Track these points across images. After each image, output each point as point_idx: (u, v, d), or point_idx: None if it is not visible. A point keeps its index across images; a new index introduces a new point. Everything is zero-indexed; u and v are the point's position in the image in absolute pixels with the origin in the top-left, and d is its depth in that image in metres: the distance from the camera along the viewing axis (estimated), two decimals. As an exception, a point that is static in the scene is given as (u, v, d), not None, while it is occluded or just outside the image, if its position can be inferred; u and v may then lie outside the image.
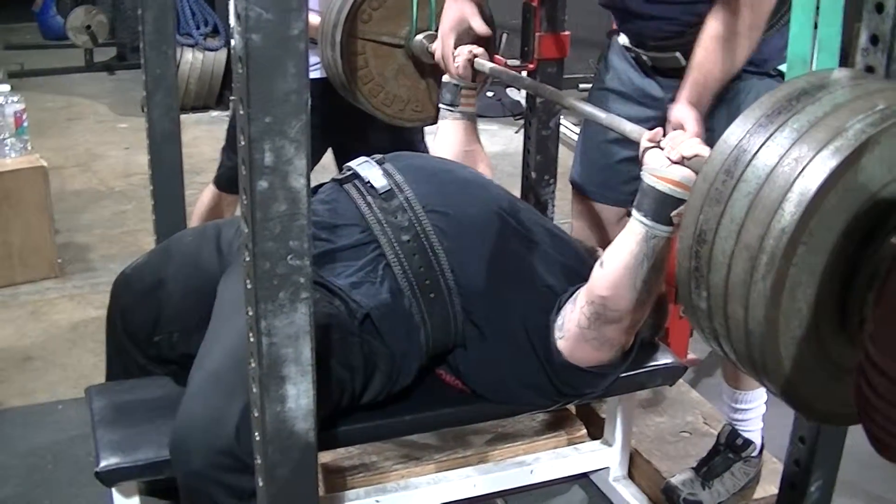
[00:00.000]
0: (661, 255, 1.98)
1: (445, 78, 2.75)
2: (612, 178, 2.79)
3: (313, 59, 2.90)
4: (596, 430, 2.98)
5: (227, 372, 1.98)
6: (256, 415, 1.54)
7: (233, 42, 1.37)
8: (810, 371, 1.34)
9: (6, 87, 4.33)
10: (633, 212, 1.99)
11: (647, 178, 1.93)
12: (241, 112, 1.36)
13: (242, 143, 1.37)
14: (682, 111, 2.25)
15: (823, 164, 1.22)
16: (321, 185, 2.41)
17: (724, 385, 2.79)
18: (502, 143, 6.46)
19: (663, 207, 1.92)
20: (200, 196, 3.65)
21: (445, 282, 2.22)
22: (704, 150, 1.84)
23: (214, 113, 7.11)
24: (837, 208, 1.25)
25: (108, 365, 2.52)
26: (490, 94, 7.00)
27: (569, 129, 6.09)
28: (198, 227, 2.75)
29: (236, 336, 1.94)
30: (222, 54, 6.99)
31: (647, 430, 3.02)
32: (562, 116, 3.12)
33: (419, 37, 2.90)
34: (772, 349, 1.30)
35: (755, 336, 1.30)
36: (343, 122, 3.25)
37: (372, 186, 2.30)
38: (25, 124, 4.29)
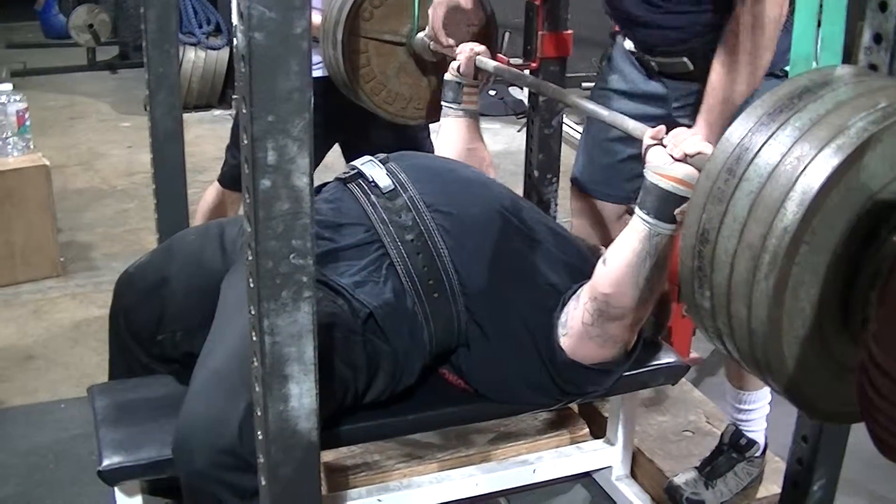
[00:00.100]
0: (663, 253, 1.98)
1: (447, 76, 2.75)
2: (615, 175, 2.79)
3: (315, 57, 2.90)
4: (599, 429, 2.98)
5: (230, 371, 1.98)
6: (259, 414, 1.54)
7: (235, 40, 1.37)
8: (813, 370, 1.34)
9: (8, 86, 4.33)
10: (636, 210, 1.98)
11: (650, 175, 1.93)
12: (244, 111, 1.35)
13: (245, 141, 1.37)
14: (698, 127, 2.28)
15: (825, 163, 1.22)
16: (325, 185, 2.41)
17: (727, 385, 2.78)
18: (505, 141, 6.46)
19: (666, 205, 1.91)
20: (204, 194, 3.65)
21: (449, 281, 2.22)
22: (707, 148, 1.84)
23: (217, 112, 7.11)
24: (840, 207, 1.24)
25: (111, 364, 2.52)
26: (492, 92, 7.00)
27: (571, 128, 6.09)
28: (201, 226, 2.75)
29: (239, 335, 1.94)
30: (225, 53, 6.99)
31: (649, 430, 3.02)
32: (564, 115, 3.12)
33: (421, 34, 2.90)
34: (775, 348, 1.30)
35: (758, 335, 1.30)
36: (346, 121, 3.25)
37: (376, 185, 2.30)
38: (28, 123, 4.30)
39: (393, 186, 2.29)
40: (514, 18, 3.49)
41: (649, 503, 2.81)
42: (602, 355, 2.19)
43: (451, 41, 2.72)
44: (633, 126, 2.07)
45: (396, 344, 2.18)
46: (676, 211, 1.90)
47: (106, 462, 2.11)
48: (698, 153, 1.84)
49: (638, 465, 2.92)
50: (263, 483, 1.59)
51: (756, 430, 2.75)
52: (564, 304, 2.20)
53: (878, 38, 1.58)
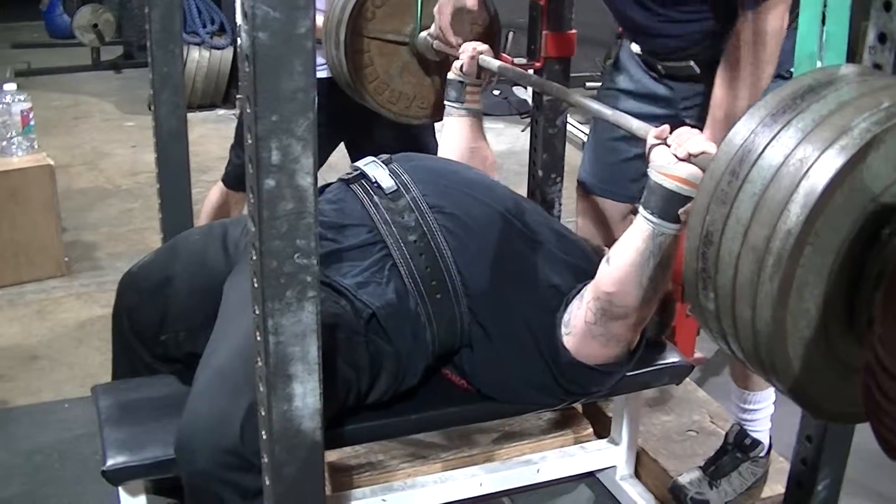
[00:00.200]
0: (667, 253, 1.98)
1: (450, 75, 2.75)
2: (620, 175, 2.79)
3: (319, 59, 2.90)
4: (602, 429, 2.98)
5: (233, 371, 1.98)
6: (263, 413, 1.54)
7: (239, 40, 1.37)
8: (818, 370, 1.34)
9: (13, 86, 4.34)
10: (640, 209, 1.98)
11: (654, 175, 1.92)
12: (248, 110, 1.35)
13: (249, 141, 1.37)
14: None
15: (828, 164, 1.22)
16: (328, 185, 2.41)
17: (732, 385, 2.78)
18: (509, 141, 6.46)
19: (670, 205, 1.91)
20: (209, 194, 3.66)
21: (452, 282, 2.22)
22: (711, 148, 1.84)
23: (221, 111, 7.11)
24: (843, 208, 1.24)
25: (114, 363, 2.52)
26: (496, 92, 7.00)
27: (575, 128, 6.09)
28: (204, 226, 2.76)
29: (242, 335, 1.94)
30: (229, 52, 6.99)
31: (653, 429, 3.02)
32: (568, 115, 3.12)
33: (423, 34, 2.90)
34: (780, 349, 1.30)
35: (763, 336, 1.30)
36: (350, 121, 3.25)
37: (379, 186, 2.30)
38: (32, 123, 4.30)
39: (396, 187, 2.29)
40: (518, 18, 3.49)
41: (653, 503, 2.80)
42: (605, 355, 2.19)
43: (460, 40, 2.72)
44: (637, 126, 2.07)
45: (399, 345, 2.18)
46: (680, 210, 1.89)
47: (110, 462, 2.12)
48: (702, 153, 1.84)
49: (642, 464, 2.92)
50: (267, 483, 1.59)
51: (760, 429, 2.75)
52: (568, 304, 2.20)
53: (882, 38, 1.58)
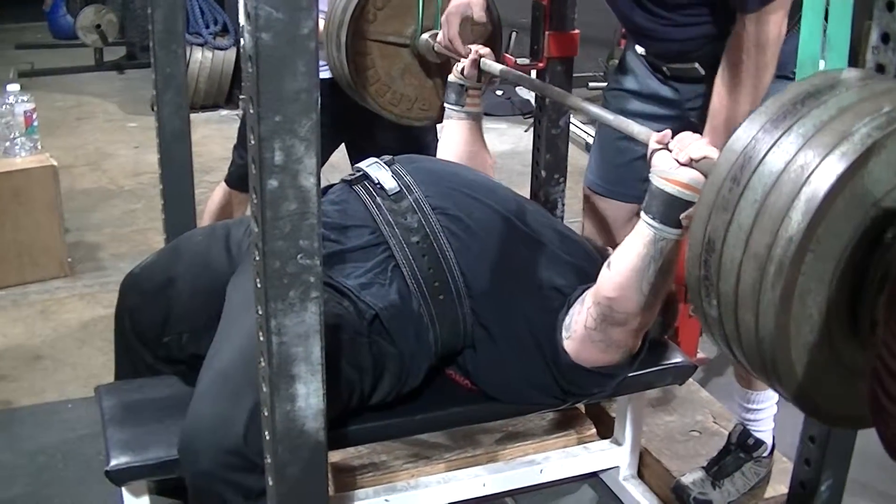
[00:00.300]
0: (668, 258, 1.97)
1: (451, 77, 2.75)
2: (627, 175, 2.79)
3: (320, 59, 2.90)
4: (606, 430, 2.98)
5: (236, 372, 1.98)
6: (266, 414, 1.54)
7: (242, 41, 1.37)
8: (822, 376, 1.34)
9: (16, 87, 4.33)
10: (642, 214, 1.98)
11: (656, 180, 1.92)
12: (251, 111, 1.36)
13: (252, 141, 1.37)
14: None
15: (829, 171, 1.21)
16: (331, 186, 2.41)
17: (735, 385, 2.78)
18: (512, 141, 6.45)
19: (671, 210, 1.91)
20: (212, 195, 3.66)
21: (454, 283, 2.22)
22: (713, 152, 1.84)
23: (224, 112, 7.11)
24: (844, 214, 1.24)
25: (117, 364, 2.52)
26: (499, 92, 6.99)
27: (579, 128, 6.08)
28: (207, 227, 2.76)
29: (245, 336, 1.95)
30: (232, 53, 6.98)
31: (656, 430, 3.02)
32: (572, 115, 3.12)
33: (425, 35, 2.90)
34: (783, 356, 1.29)
35: (766, 343, 1.29)
36: (352, 122, 3.25)
37: (382, 188, 2.30)
38: (35, 123, 4.30)
39: (398, 188, 2.29)
40: (521, 18, 3.49)
41: (656, 503, 2.80)
42: (605, 360, 2.19)
43: (469, 48, 2.71)
44: (638, 130, 2.07)
45: (402, 346, 2.18)
46: (682, 215, 1.89)
47: (113, 462, 2.12)
48: (704, 157, 1.84)
49: (645, 465, 2.92)
50: (270, 483, 1.59)
51: (764, 430, 2.75)
52: (569, 307, 2.20)
53: (885, 38, 1.58)
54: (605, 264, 2.09)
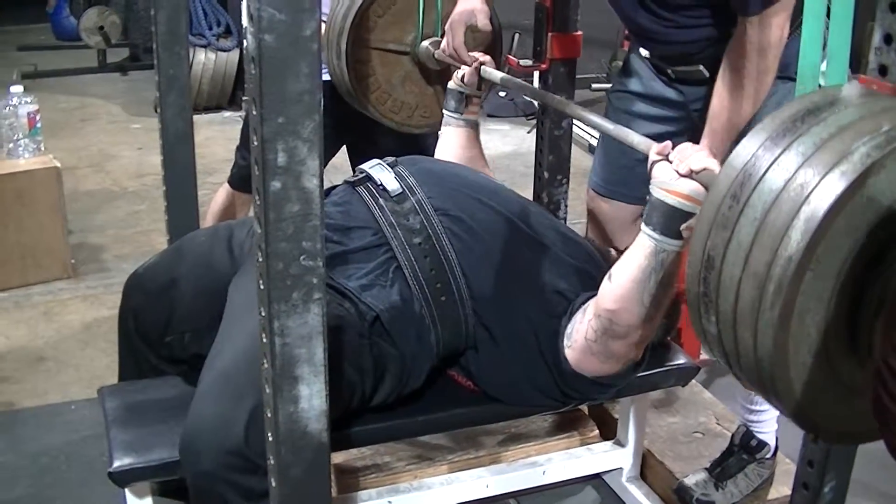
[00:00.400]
0: (669, 270, 1.97)
1: (451, 84, 2.75)
2: (632, 176, 2.79)
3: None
4: (608, 431, 2.98)
5: (237, 373, 1.98)
6: (269, 415, 1.54)
7: (245, 42, 1.37)
8: (821, 394, 1.34)
9: (19, 88, 4.34)
10: (642, 226, 1.98)
11: (656, 191, 1.92)
12: (254, 112, 1.36)
13: (255, 143, 1.37)
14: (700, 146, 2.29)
15: (829, 190, 1.21)
16: (334, 188, 2.41)
17: (738, 386, 2.77)
18: (514, 142, 6.45)
19: (672, 221, 1.91)
20: (215, 196, 3.66)
21: (456, 284, 2.22)
22: (713, 164, 1.84)
23: (227, 113, 7.12)
24: (844, 233, 1.23)
25: (121, 365, 2.53)
26: (502, 94, 6.99)
27: (581, 130, 6.08)
28: (210, 228, 2.76)
29: (246, 337, 1.95)
30: (235, 55, 6.99)
31: (659, 431, 3.02)
32: (574, 117, 3.12)
33: (425, 43, 2.91)
34: (781, 374, 1.29)
35: (765, 361, 1.29)
36: (354, 123, 3.26)
37: (384, 189, 2.30)
38: (39, 125, 4.31)
39: (401, 190, 2.29)
40: (524, 20, 3.49)
41: (659, 505, 2.81)
42: (605, 370, 2.19)
43: (473, 57, 2.71)
44: (638, 140, 2.07)
45: (403, 347, 2.18)
46: (683, 227, 1.89)
47: (117, 463, 2.12)
48: (704, 169, 1.84)
49: (648, 466, 2.92)
50: (273, 484, 1.59)
51: (767, 431, 2.75)
52: (571, 315, 2.20)
53: (888, 39, 1.58)
54: (606, 277, 2.08)
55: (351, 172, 2.50)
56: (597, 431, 3.00)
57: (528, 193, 3.01)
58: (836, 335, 1.30)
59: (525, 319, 2.22)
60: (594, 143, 5.14)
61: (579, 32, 2.96)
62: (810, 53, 1.65)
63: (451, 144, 2.73)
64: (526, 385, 2.26)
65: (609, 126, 2.20)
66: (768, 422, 2.74)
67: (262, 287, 1.45)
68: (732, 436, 2.81)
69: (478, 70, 2.68)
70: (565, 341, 2.18)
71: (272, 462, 1.57)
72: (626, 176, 2.81)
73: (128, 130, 6.81)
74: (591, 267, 2.30)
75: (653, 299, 2.01)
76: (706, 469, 2.79)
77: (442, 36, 2.85)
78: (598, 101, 6.99)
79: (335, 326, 2.02)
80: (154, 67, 2.83)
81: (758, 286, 1.26)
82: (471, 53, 2.73)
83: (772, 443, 2.76)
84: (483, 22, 2.77)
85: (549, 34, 2.93)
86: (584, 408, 3.05)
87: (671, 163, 1.91)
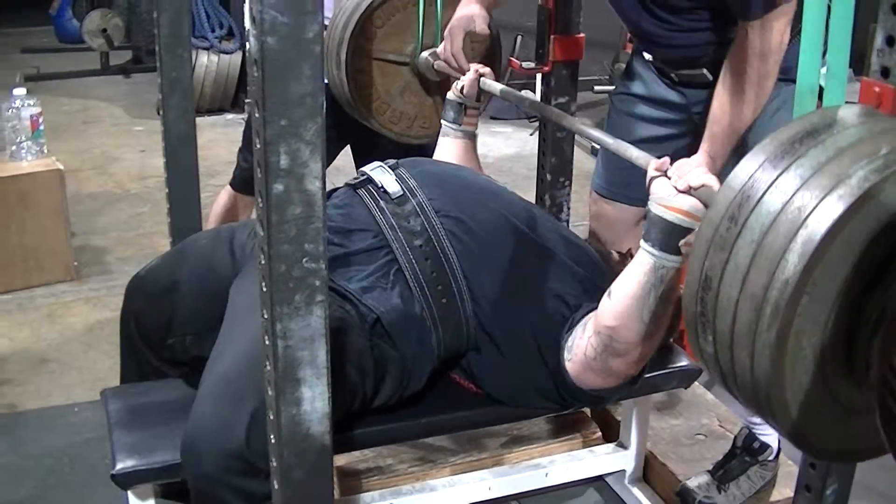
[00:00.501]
0: (668, 286, 1.97)
1: (450, 95, 2.75)
2: (634, 178, 2.76)
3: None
4: (611, 433, 2.98)
5: (238, 376, 1.98)
6: (272, 417, 1.54)
7: (248, 45, 1.38)
8: (817, 415, 1.34)
9: (22, 91, 4.34)
10: (641, 242, 1.98)
11: (655, 207, 1.92)
12: (257, 115, 1.36)
13: (258, 145, 1.37)
14: (699, 158, 2.29)
15: (826, 214, 1.21)
16: (336, 190, 2.41)
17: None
18: (517, 145, 6.45)
19: (671, 237, 1.91)
20: (217, 198, 3.66)
21: (457, 286, 2.22)
22: (711, 180, 1.85)
23: (229, 115, 7.13)
24: (841, 257, 1.23)
25: (122, 367, 2.53)
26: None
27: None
28: (212, 230, 2.76)
29: (247, 340, 1.95)
30: (237, 57, 7.01)
31: (662, 433, 3.02)
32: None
33: (424, 54, 2.92)
34: (778, 395, 1.30)
35: (761, 382, 1.30)
36: (357, 124, 3.26)
37: (385, 191, 2.30)
38: (41, 127, 4.31)
39: (402, 192, 2.29)
40: (527, 22, 3.49)
41: (662, 507, 2.81)
42: (604, 385, 2.19)
43: (467, 89, 2.71)
44: (637, 155, 2.08)
45: (404, 349, 2.18)
46: (681, 242, 1.90)
47: (119, 465, 2.12)
48: (702, 185, 1.85)
49: (650, 468, 2.91)
50: (276, 487, 1.59)
51: (769, 433, 2.75)
52: (572, 327, 2.20)
53: (890, 41, 1.58)
54: (606, 294, 2.08)
55: (354, 174, 2.49)
56: (599, 433, 3.00)
57: (531, 195, 3.01)
58: (832, 356, 1.30)
59: (526, 322, 2.22)
60: (597, 145, 5.14)
61: (582, 35, 2.96)
62: (808, 77, 1.64)
63: (448, 155, 2.73)
64: (527, 387, 2.26)
65: (609, 140, 2.22)
66: (771, 424, 2.74)
67: (264, 289, 1.45)
68: (735, 438, 2.81)
69: (477, 81, 2.68)
70: (566, 354, 2.18)
71: (275, 464, 1.57)
72: (628, 178, 2.81)
73: (130, 133, 6.82)
74: (592, 271, 2.30)
75: (652, 316, 2.01)
76: (709, 471, 2.79)
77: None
78: (601, 103, 7.00)
79: (336, 328, 2.02)
80: (157, 70, 2.84)
81: (755, 308, 1.26)
82: (470, 64, 2.73)
83: (774, 445, 2.76)
84: (481, 27, 2.77)
85: (552, 36, 2.93)
86: (587, 410, 3.04)
87: (669, 179, 1.91)
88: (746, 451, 2.76)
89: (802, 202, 1.24)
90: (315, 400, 1.51)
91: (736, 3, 2.28)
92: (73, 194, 4.85)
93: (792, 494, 2.22)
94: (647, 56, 2.71)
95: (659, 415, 3.08)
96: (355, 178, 2.40)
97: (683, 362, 2.56)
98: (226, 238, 2.45)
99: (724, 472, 2.76)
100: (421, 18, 2.90)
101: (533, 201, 2.99)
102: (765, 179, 1.30)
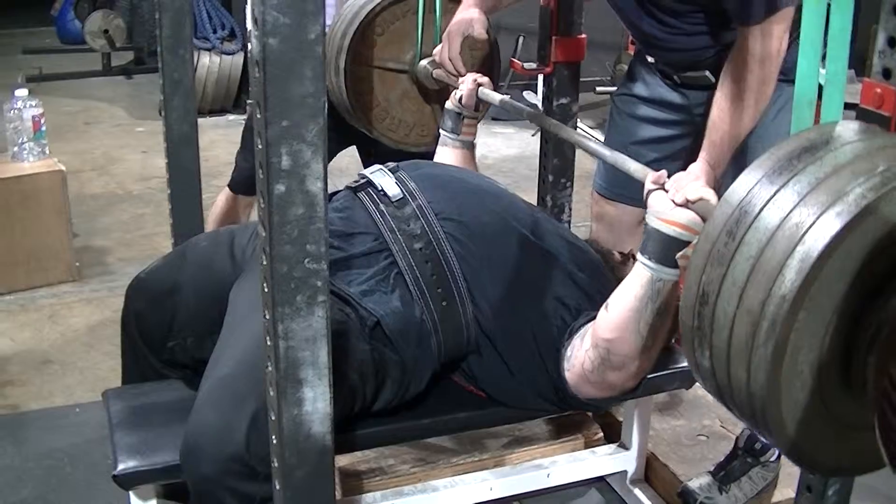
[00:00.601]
0: (666, 299, 1.97)
1: (448, 104, 2.75)
2: (636, 179, 2.79)
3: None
4: (613, 434, 2.98)
5: (238, 378, 1.98)
6: (273, 418, 1.54)
7: (250, 46, 1.38)
8: (814, 430, 1.34)
9: (24, 92, 4.34)
10: (639, 255, 1.99)
11: (652, 220, 1.93)
12: (258, 116, 1.36)
13: (259, 146, 1.37)
14: (697, 169, 2.29)
15: (824, 230, 1.22)
16: (336, 193, 2.41)
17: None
18: (519, 146, 6.45)
19: (668, 250, 1.92)
20: (215, 200, 3.66)
21: (458, 289, 2.22)
22: (709, 194, 1.85)
23: (231, 116, 7.13)
24: (838, 273, 1.24)
25: (124, 368, 2.53)
26: (507, 96, 7.00)
27: (586, 133, 6.09)
28: (212, 232, 2.77)
29: (246, 342, 1.95)
30: (239, 58, 7.01)
31: (664, 434, 3.02)
32: (579, 120, 3.12)
33: (423, 62, 2.92)
34: (774, 411, 1.30)
35: (757, 398, 1.30)
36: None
37: (385, 194, 2.30)
38: (43, 128, 4.31)
39: (402, 195, 2.29)
40: (528, 23, 3.49)
41: (663, 508, 2.81)
42: (601, 395, 2.20)
43: (466, 99, 2.70)
44: (634, 168, 2.09)
45: (404, 352, 2.18)
46: (678, 255, 1.90)
47: (121, 466, 2.12)
48: (700, 199, 1.85)
49: (652, 469, 2.91)
50: (277, 487, 1.59)
51: (771, 434, 2.75)
52: (571, 335, 2.20)
53: (891, 42, 1.58)
54: (604, 306, 2.09)
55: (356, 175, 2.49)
56: (601, 434, 3.00)
57: (533, 196, 3.01)
58: (829, 372, 1.31)
59: (526, 325, 2.22)
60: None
61: (583, 35, 2.97)
62: (806, 88, 1.65)
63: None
64: (528, 390, 2.26)
65: (606, 152, 2.23)
66: (773, 425, 2.74)
67: (266, 290, 1.46)
68: (737, 439, 2.81)
69: (475, 91, 2.68)
70: (565, 364, 2.19)
71: (276, 465, 1.57)
72: (629, 178, 2.81)
73: (132, 134, 6.82)
74: (594, 275, 2.30)
75: (650, 328, 2.01)
76: (710, 472, 2.79)
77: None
78: (603, 104, 7.00)
79: (336, 332, 2.01)
80: (158, 71, 2.84)
81: (752, 323, 1.27)
82: (469, 74, 2.73)
83: (776, 446, 2.76)
84: (479, 31, 2.77)
85: (554, 37, 2.93)
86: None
87: (667, 192, 1.91)
88: (748, 452, 2.76)
89: (800, 218, 1.25)
90: (316, 400, 1.51)
91: (735, 8, 2.28)
92: (75, 195, 4.85)
93: (793, 495, 2.22)
94: (650, 58, 2.72)
95: (661, 415, 3.08)
96: (355, 182, 2.40)
97: (685, 363, 2.56)
98: (225, 241, 2.45)
99: (725, 473, 2.76)
100: (420, 27, 2.90)
101: (534, 202, 3.00)
102: (763, 195, 1.30)
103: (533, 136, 6.46)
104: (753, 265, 1.27)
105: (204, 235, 2.72)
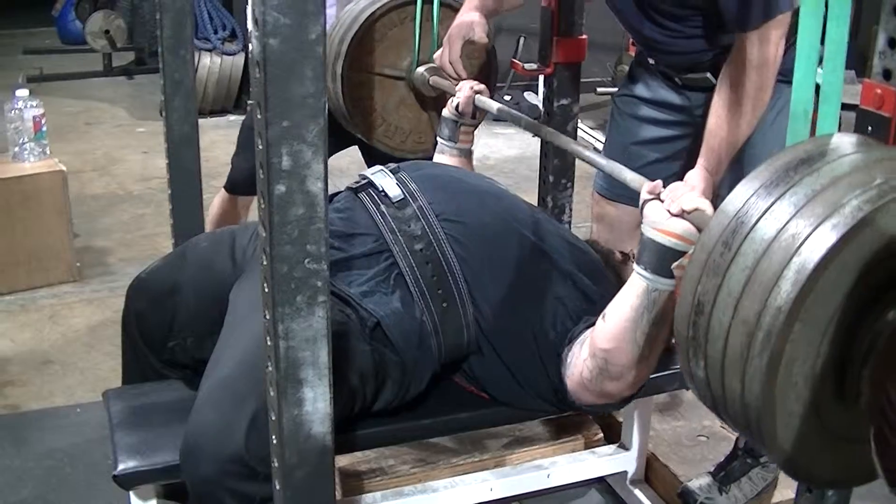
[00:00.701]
0: (662, 309, 1.97)
1: (445, 112, 2.74)
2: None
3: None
4: (613, 434, 2.98)
5: (237, 379, 1.98)
6: (273, 418, 1.54)
7: (250, 46, 1.38)
8: (809, 442, 1.34)
9: (25, 92, 4.35)
10: (635, 266, 1.99)
11: (648, 231, 1.93)
12: (259, 116, 1.36)
13: (260, 147, 1.38)
14: (695, 176, 2.29)
15: (820, 242, 1.22)
16: (337, 194, 2.41)
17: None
18: (520, 146, 6.45)
19: (664, 260, 1.91)
20: (212, 203, 3.66)
21: (458, 290, 2.22)
22: (704, 204, 1.85)
23: (232, 117, 7.12)
24: (834, 285, 1.24)
25: (124, 368, 2.53)
26: (508, 97, 7.00)
27: (587, 133, 6.09)
28: (212, 233, 2.77)
29: (246, 343, 1.95)
30: (240, 58, 7.01)
31: (664, 434, 3.02)
32: (579, 120, 3.12)
33: (420, 69, 2.92)
34: (768, 422, 1.30)
35: (752, 409, 1.30)
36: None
37: (386, 195, 2.30)
38: (44, 129, 4.31)
39: (402, 196, 2.29)
40: (529, 23, 3.50)
41: (664, 508, 2.81)
42: (599, 402, 2.20)
43: (463, 106, 2.70)
44: (631, 178, 2.09)
45: (405, 353, 2.18)
46: (674, 265, 1.90)
47: (121, 466, 2.12)
48: (695, 209, 1.85)
49: (652, 469, 2.91)
50: (277, 487, 1.59)
51: (771, 435, 2.75)
52: (572, 340, 2.20)
53: (892, 43, 1.58)
54: (601, 316, 2.09)
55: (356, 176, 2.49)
56: (601, 435, 3.00)
57: (533, 197, 3.01)
58: (824, 383, 1.31)
59: (527, 327, 2.22)
60: (599, 146, 5.15)
61: (584, 36, 2.97)
62: (803, 95, 1.64)
63: None
64: (528, 390, 2.26)
65: (602, 161, 2.23)
66: (773, 425, 2.74)
67: (266, 290, 1.46)
68: (737, 439, 2.81)
69: (472, 98, 2.68)
70: (565, 371, 2.19)
71: (276, 465, 1.57)
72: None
73: (133, 134, 6.83)
74: (595, 277, 2.30)
75: (647, 338, 2.01)
76: (710, 473, 2.79)
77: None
78: (604, 104, 7.00)
79: (337, 332, 2.01)
80: (159, 71, 2.84)
81: (747, 334, 1.27)
82: (465, 81, 2.72)
83: (776, 446, 2.76)
84: (480, 35, 2.76)
85: (555, 38, 2.93)
86: (589, 411, 3.05)
87: (663, 202, 1.92)
88: (748, 453, 2.76)
89: (796, 230, 1.25)
90: (317, 400, 1.52)
91: (733, 13, 2.28)
92: (76, 195, 4.85)
93: (793, 496, 2.22)
94: (651, 60, 2.72)
95: (661, 416, 3.08)
96: (356, 182, 2.40)
97: (685, 364, 2.56)
98: (226, 242, 2.44)
99: (725, 474, 2.76)
100: (417, 34, 2.90)
101: (535, 203, 3.00)
102: (759, 206, 1.31)
103: (534, 136, 6.46)
104: (749, 276, 1.27)
105: (204, 236, 2.72)
